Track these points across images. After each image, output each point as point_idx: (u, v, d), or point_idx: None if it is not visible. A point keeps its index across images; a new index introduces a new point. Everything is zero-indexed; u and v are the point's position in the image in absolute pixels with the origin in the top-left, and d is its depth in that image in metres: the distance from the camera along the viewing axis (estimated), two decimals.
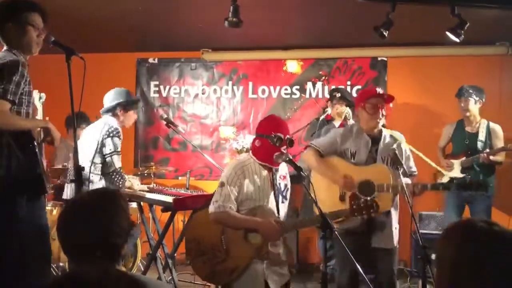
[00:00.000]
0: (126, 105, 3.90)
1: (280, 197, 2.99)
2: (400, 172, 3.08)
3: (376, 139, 3.24)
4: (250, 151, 3.00)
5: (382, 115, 3.19)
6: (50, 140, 2.68)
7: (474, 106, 4.54)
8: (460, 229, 1.32)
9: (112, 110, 3.85)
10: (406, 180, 3.08)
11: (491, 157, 4.34)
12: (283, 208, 3.01)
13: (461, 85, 4.65)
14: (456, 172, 4.53)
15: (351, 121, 4.44)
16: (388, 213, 3.17)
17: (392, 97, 3.27)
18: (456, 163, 4.54)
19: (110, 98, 3.90)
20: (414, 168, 3.34)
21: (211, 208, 2.86)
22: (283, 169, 3.08)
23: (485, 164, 4.40)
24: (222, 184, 2.87)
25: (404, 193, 2.96)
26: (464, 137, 4.59)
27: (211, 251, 2.89)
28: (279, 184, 3.01)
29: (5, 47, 2.63)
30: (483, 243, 1.24)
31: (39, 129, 2.67)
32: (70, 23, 4.63)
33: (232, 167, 2.90)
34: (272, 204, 2.93)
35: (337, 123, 4.62)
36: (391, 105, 3.29)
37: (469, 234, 1.28)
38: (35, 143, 2.61)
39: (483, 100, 4.57)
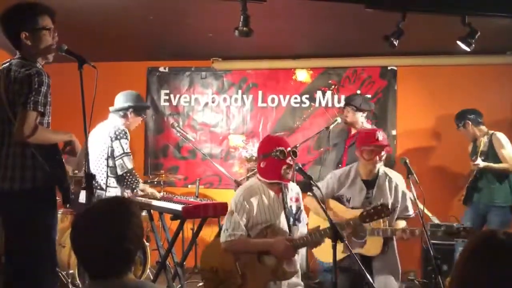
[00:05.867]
0: (139, 109, 3.95)
1: (292, 220, 2.94)
2: (395, 215, 3.30)
3: (372, 182, 3.36)
4: (257, 175, 3.01)
5: (380, 159, 3.31)
6: (70, 151, 2.70)
7: (471, 129, 4.63)
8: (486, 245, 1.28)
9: (123, 111, 3.90)
10: (402, 223, 3.31)
11: (480, 163, 4.35)
12: (297, 231, 2.96)
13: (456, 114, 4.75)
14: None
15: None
16: (388, 255, 3.27)
17: (389, 146, 3.38)
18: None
19: (123, 99, 3.95)
20: (410, 212, 3.40)
21: (222, 237, 2.88)
22: (295, 191, 3.06)
23: (487, 172, 4.43)
24: (231, 213, 2.88)
25: (393, 237, 3.20)
26: (475, 151, 4.61)
27: (228, 278, 2.88)
28: (290, 206, 2.98)
29: (18, 55, 2.61)
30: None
31: None
32: (81, 32, 4.69)
33: (240, 193, 2.91)
34: (283, 224, 2.90)
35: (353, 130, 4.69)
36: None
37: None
38: (61, 155, 2.62)
39: (480, 119, 4.62)
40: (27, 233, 2.51)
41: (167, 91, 6.14)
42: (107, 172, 3.72)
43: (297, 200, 3.05)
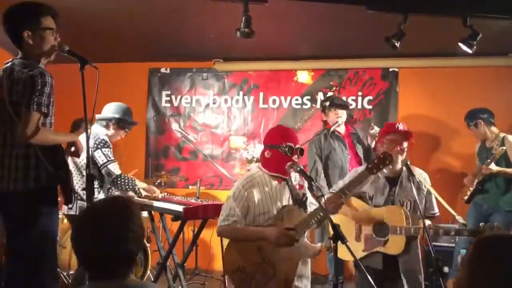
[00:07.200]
0: (123, 122, 3.91)
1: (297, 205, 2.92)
2: (419, 214, 3.13)
3: (394, 180, 3.26)
4: (260, 163, 2.98)
5: (402, 151, 3.20)
6: (73, 152, 2.70)
7: (482, 128, 4.57)
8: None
9: (106, 121, 3.85)
10: (426, 222, 3.09)
11: (493, 168, 4.30)
12: None
13: (466, 113, 4.70)
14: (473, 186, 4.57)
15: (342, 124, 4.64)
16: (411, 255, 3.18)
17: (411, 133, 3.25)
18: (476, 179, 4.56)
19: (111, 110, 3.93)
20: (435, 210, 3.31)
21: (218, 221, 2.86)
22: (297, 180, 3.03)
23: (496, 176, 4.38)
24: (228, 199, 2.87)
25: (417, 236, 3.08)
26: (485, 153, 4.58)
27: (258, 272, 2.78)
28: (297, 193, 2.95)
29: (20, 55, 2.61)
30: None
31: None
32: (83, 33, 4.70)
33: (240, 181, 2.88)
34: None
35: (342, 129, 4.66)
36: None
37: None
38: (65, 155, 2.62)
39: (492, 119, 4.58)
40: (29, 234, 2.51)
41: (168, 92, 6.14)
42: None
43: (301, 187, 3.02)
